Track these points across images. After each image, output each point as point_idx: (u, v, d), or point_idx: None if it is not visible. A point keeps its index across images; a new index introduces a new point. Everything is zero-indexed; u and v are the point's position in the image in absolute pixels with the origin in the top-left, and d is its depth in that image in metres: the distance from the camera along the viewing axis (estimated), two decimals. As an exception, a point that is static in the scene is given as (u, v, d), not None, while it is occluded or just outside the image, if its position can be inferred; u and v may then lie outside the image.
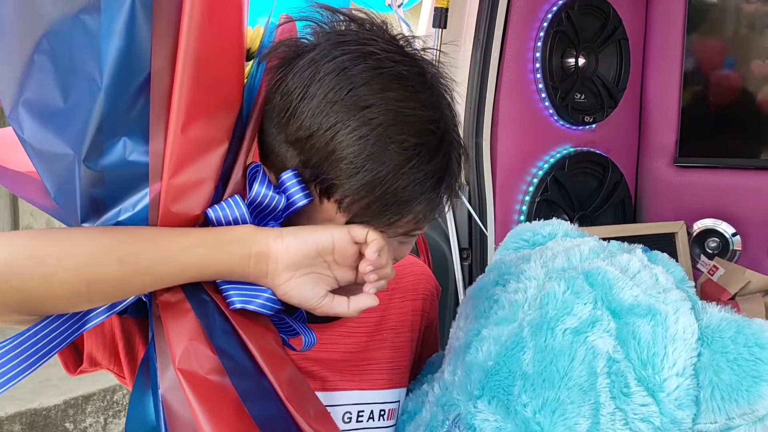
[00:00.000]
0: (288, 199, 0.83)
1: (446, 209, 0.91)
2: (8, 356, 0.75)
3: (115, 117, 0.76)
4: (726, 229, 1.94)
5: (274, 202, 0.83)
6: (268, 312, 0.83)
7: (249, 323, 0.82)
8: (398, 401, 1.08)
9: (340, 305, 0.85)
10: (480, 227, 1.75)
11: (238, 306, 0.81)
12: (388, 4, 1.81)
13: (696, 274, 1.97)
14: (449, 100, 0.89)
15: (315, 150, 0.82)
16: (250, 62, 0.89)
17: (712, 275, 1.90)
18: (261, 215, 0.84)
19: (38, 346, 0.77)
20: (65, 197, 0.78)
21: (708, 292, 1.88)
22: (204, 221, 0.82)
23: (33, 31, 0.75)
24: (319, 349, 0.97)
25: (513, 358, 0.91)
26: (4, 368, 0.74)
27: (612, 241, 1.03)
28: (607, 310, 0.89)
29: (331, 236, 0.82)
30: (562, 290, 0.92)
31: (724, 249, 1.94)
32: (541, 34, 1.83)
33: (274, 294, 0.82)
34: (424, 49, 0.89)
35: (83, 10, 0.74)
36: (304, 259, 0.82)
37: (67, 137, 0.76)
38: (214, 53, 0.80)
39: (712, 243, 1.96)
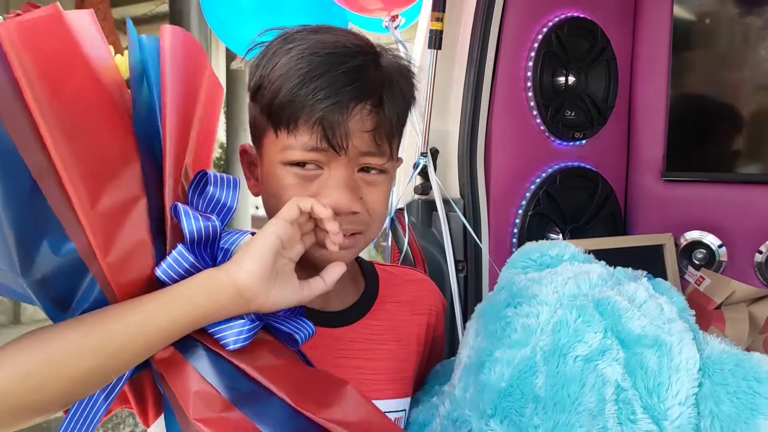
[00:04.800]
0: (222, 205, 0.88)
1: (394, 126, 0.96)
2: None
3: (26, 227, 0.76)
4: (712, 240, 1.96)
5: (211, 228, 0.84)
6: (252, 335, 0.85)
7: (239, 350, 0.83)
8: (404, 410, 1.11)
9: (318, 285, 0.90)
10: (474, 240, 1.77)
11: (236, 347, 0.83)
12: (385, 26, 1.84)
13: (684, 284, 1.99)
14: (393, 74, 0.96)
15: (264, 94, 0.93)
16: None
17: (699, 285, 1.92)
18: (206, 244, 0.85)
19: None
20: (32, 302, 0.80)
21: (695, 301, 1.89)
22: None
23: None
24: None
25: (526, 382, 0.94)
26: None
27: (618, 268, 1.06)
28: (616, 339, 0.92)
29: (274, 233, 0.85)
30: (574, 318, 0.95)
31: (710, 260, 1.96)
32: (532, 54, 1.86)
33: (249, 321, 0.84)
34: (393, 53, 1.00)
35: None
36: (267, 268, 0.83)
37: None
38: (80, 121, 0.78)
39: (699, 254, 1.98)
